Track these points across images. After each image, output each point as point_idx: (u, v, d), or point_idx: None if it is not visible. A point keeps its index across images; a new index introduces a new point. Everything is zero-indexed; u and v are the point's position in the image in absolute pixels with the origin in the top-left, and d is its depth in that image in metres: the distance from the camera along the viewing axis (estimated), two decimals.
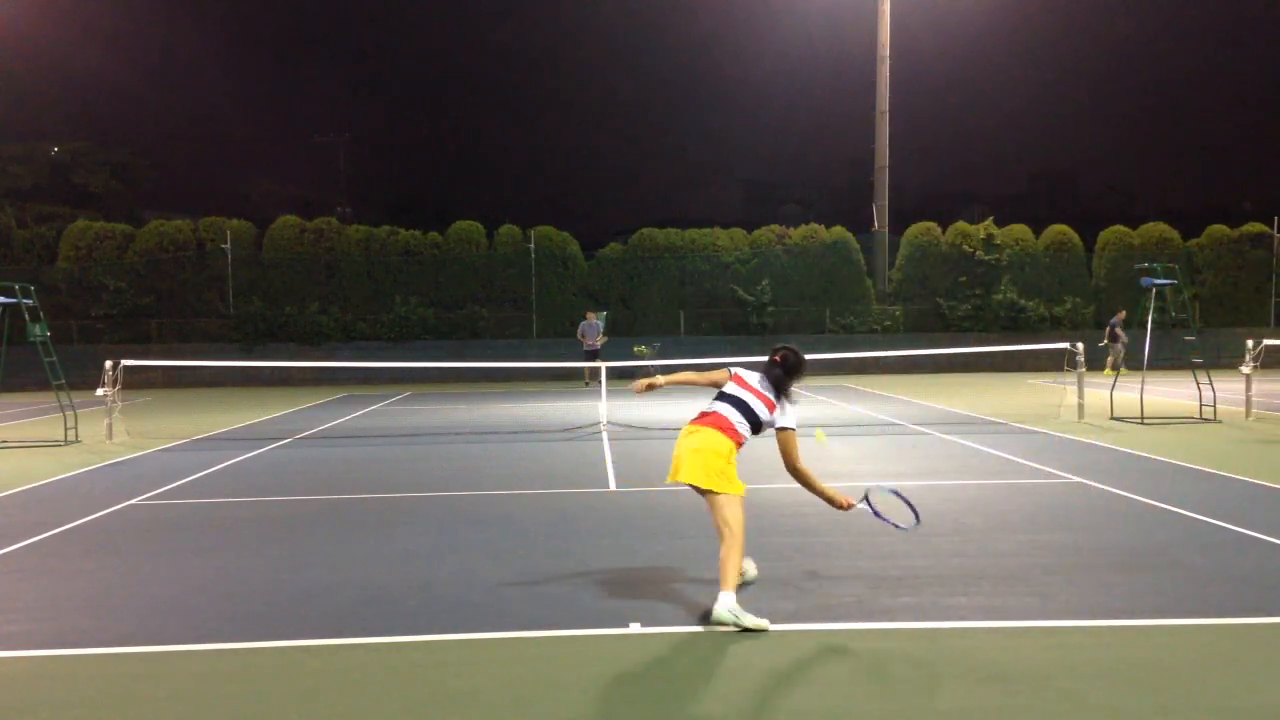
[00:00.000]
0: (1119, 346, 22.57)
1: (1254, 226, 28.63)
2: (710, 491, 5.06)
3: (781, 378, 5.31)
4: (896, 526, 5.72)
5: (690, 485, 5.13)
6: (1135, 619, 4.93)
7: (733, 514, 5.02)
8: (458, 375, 25.36)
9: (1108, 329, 23.59)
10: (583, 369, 23.04)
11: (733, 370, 5.51)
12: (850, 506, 5.48)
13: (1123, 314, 23.76)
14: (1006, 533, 6.89)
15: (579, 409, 17.09)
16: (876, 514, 5.67)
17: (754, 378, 5.40)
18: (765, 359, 5.49)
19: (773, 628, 4.86)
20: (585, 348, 23.45)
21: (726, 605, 4.82)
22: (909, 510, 5.65)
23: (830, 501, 5.46)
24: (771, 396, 5.30)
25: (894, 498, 5.66)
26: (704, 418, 5.28)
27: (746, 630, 4.76)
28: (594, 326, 23.65)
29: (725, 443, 5.14)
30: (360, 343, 26.34)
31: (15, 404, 19.71)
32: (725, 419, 5.21)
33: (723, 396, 5.36)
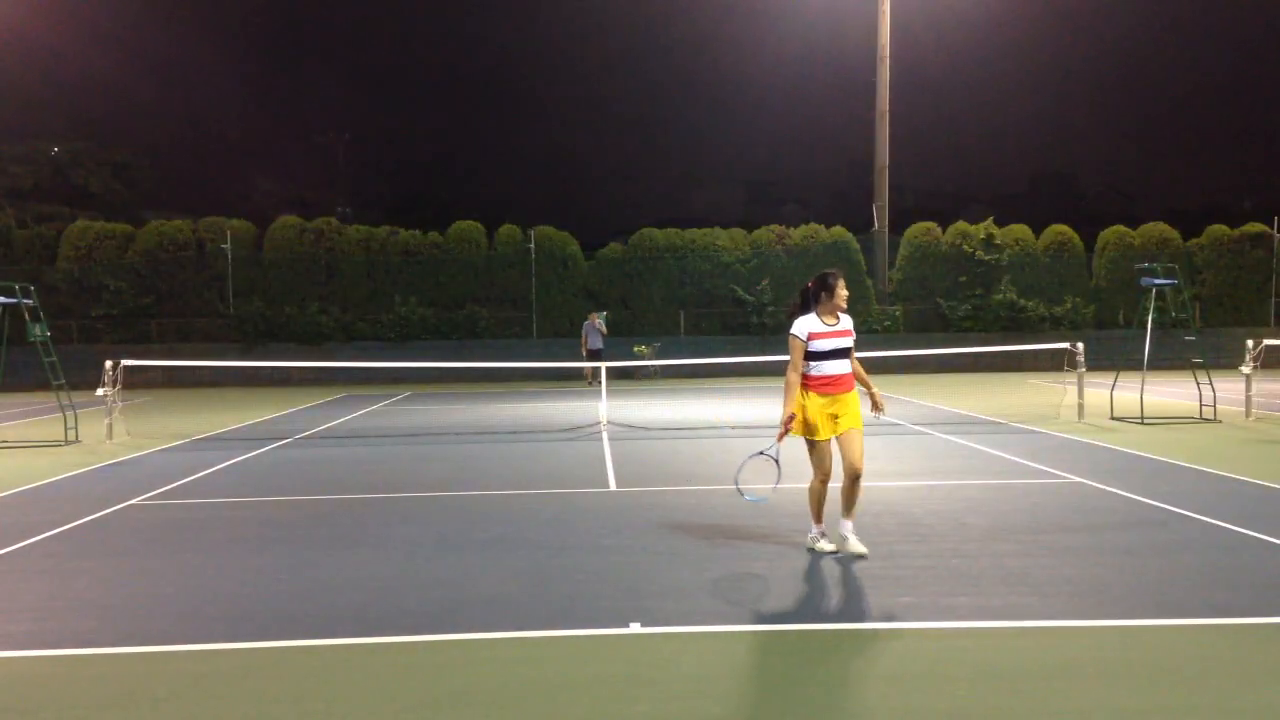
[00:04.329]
0: None
1: (1254, 226, 28.56)
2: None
3: (810, 296, 6.28)
4: (742, 493, 6.76)
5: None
6: (1135, 619, 4.93)
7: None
8: (457, 375, 25.35)
9: None
10: (584, 369, 23.04)
11: (803, 335, 6.14)
12: (780, 435, 6.24)
13: None
14: (1006, 533, 6.89)
15: (579, 409, 17.09)
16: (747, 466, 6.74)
17: (818, 323, 6.17)
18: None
19: (772, 628, 4.87)
20: (588, 348, 23.44)
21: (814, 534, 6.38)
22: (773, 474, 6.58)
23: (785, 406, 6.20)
24: (842, 326, 6.24)
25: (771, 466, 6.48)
26: (837, 383, 6.17)
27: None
28: (595, 327, 23.66)
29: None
30: (360, 343, 26.33)
31: (15, 404, 19.70)
32: (849, 377, 6.26)
33: (827, 354, 6.15)
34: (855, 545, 6.19)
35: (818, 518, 6.35)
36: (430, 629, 4.91)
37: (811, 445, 6.19)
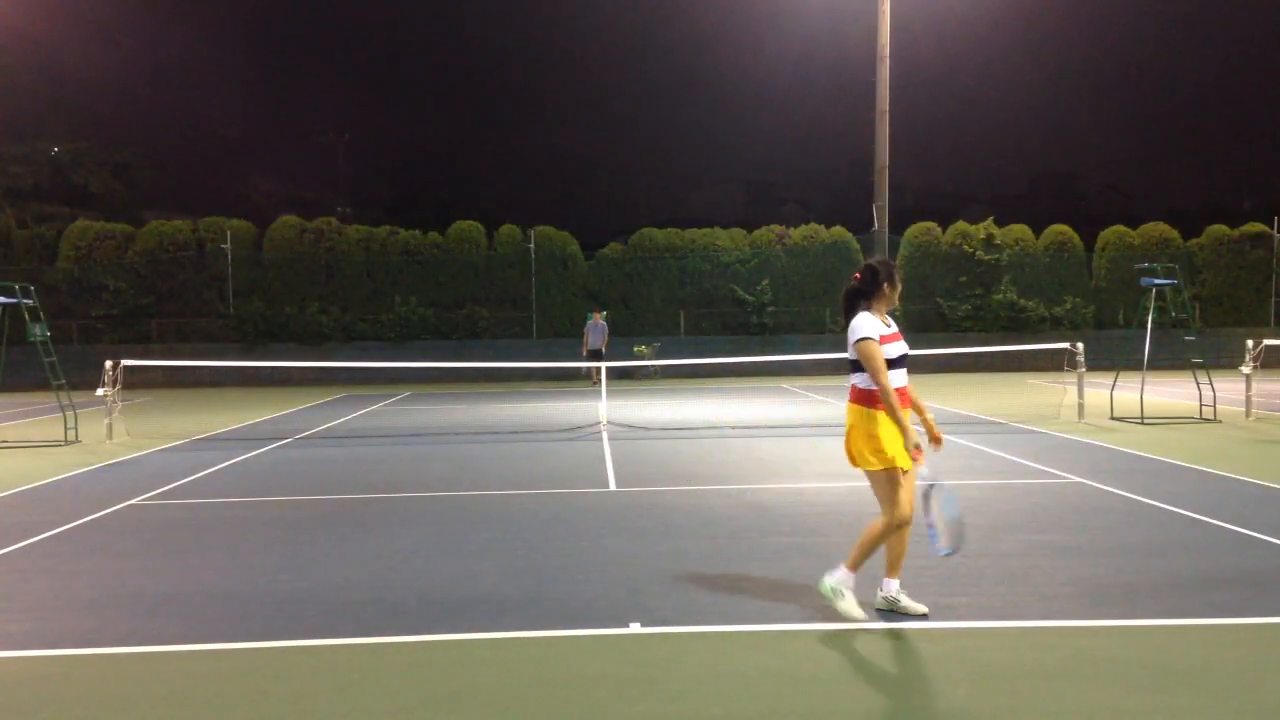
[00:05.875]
0: None
1: (1254, 226, 28.56)
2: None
3: (855, 292, 5.00)
4: (933, 539, 5.00)
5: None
6: (1135, 619, 4.93)
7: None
8: (458, 375, 25.35)
9: None
10: (589, 369, 23.00)
11: (877, 336, 4.82)
12: (915, 458, 4.75)
13: None
14: (1007, 533, 6.89)
15: (579, 409, 17.09)
16: (929, 504, 4.95)
17: (881, 324, 4.90)
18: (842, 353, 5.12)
19: (772, 628, 4.86)
20: (589, 348, 23.35)
21: (835, 580, 4.95)
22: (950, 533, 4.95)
23: (903, 431, 4.76)
24: (895, 328, 4.99)
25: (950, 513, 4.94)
26: (901, 398, 4.84)
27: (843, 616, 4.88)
28: (600, 328, 23.60)
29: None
30: (360, 343, 26.33)
31: (15, 404, 19.70)
32: (907, 392, 4.91)
33: (894, 363, 4.83)
34: (912, 605, 5.02)
35: (893, 568, 5.07)
36: (430, 629, 4.91)
37: (892, 479, 4.82)
